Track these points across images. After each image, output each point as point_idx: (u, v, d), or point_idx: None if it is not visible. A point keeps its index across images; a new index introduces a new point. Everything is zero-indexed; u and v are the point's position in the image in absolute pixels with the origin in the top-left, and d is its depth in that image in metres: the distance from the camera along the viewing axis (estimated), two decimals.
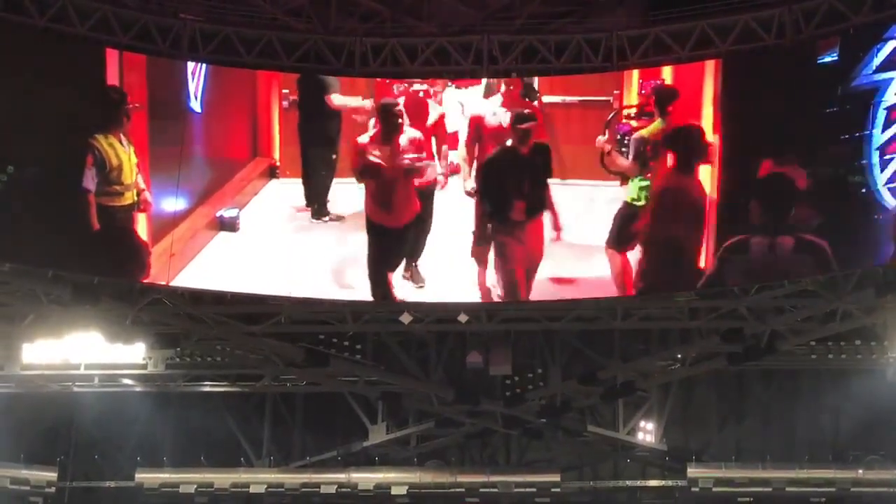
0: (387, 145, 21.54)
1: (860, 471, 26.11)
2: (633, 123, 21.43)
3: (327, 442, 27.59)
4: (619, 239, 21.31)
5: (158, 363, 26.37)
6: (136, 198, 21.20)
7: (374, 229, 21.78)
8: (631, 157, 21.18)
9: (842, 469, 26.26)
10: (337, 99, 22.48)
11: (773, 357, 24.79)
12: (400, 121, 21.55)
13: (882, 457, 26.33)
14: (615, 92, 22.13)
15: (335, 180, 22.88)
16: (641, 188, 21.21)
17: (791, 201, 20.74)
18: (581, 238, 21.42)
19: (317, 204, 22.74)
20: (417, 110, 22.04)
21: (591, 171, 21.49)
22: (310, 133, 22.88)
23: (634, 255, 21.39)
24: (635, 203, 21.26)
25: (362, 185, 21.95)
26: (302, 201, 22.86)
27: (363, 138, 21.80)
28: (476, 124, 22.04)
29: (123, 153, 21.00)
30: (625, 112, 21.64)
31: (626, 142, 21.33)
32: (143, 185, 21.25)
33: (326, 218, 22.70)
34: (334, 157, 22.86)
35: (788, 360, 25.82)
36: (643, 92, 21.61)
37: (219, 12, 21.90)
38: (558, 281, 21.65)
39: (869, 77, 20.20)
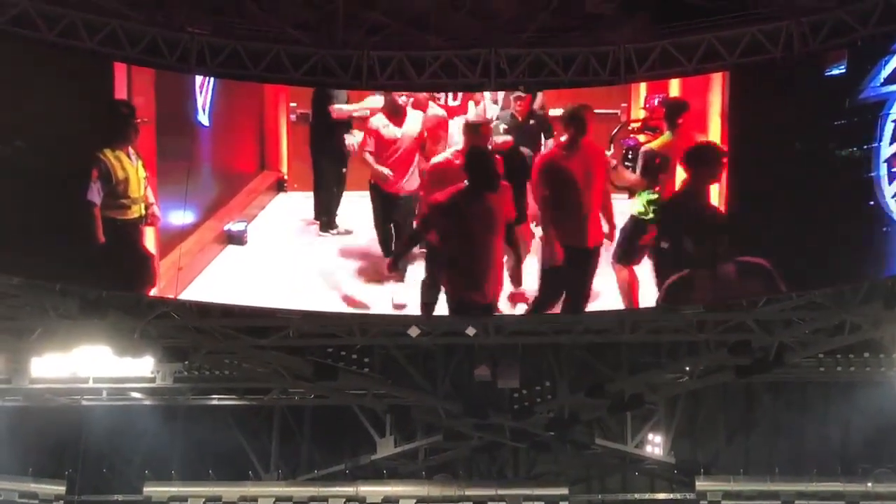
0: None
1: (869, 484, 26.10)
2: (641, 138, 21.40)
3: (335, 455, 27.60)
4: (626, 253, 21.27)
5: (167, 377, 26.43)
6: (143, 211, 21.19)
7: None
8: (639, 170, 21.15)
9: (851, 482, 26.26)
10: (336, 110, 22.48)
11: (781, 370, 24.81)
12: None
13: (891, 469, 26.35)
14: (623, 105, 22.13)
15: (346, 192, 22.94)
16: (649, 202, 21.18)
17: (717, 230, 20.83)
18: None
19: (325, 217, 22.75)
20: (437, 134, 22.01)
21: None
22: (322, 147, 22.87)
23: (642, 269, 21.35)
24: (642, 217, 21.23)
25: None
26: (310, 214, 22.86)
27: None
28: None
29: (130, 167, 21.00)
30: (630, 126, 21.63)
31: (629, 156, 21.31)
32: (152, 199, 21.26)
33: (334, 231, 22.70)
34: (344, 170, 22.86)
35: (797, 373, 25.83)
36: (647, 106, 21.61)
37: (226, 26, 21.91)
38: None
39: (876, 90, 20.19)
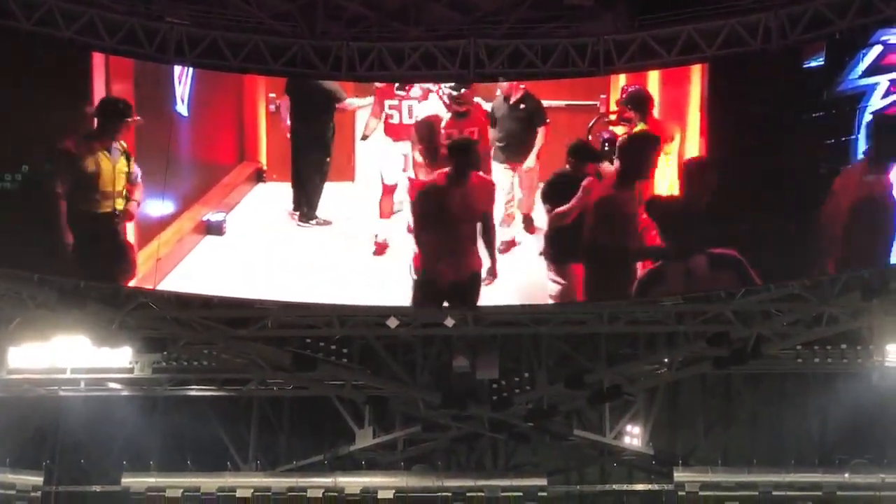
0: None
1: (846, 474, 26.17)
2: (618, 130, 21.45)
3: (314, 446, 27.56)
4: None
5: (145, 367, 26.33)
6: (122, 205, 21.15)
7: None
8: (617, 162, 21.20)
9: (828, 473, 26.33)
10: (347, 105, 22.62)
11: (759, 361, 24.85)
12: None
13: (868, 460, 26.41)
14: (602, 96, 22.16)
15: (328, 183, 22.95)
16: None
17: (686, 221, 20.92)
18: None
19: (306, 208, 22.73)
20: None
21: None
22: (303, 138, 22.86)
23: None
24: None
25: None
26: (290, 205, 22.84)
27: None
28: None
29: (106, 161, 20.93)
30: (605, 119, 21.67)
31: (606, 147, 21.37)
32: (137, 196, 21.22)
33: (314, 222, 22.68)
34: (328, 160, 22.88)
35: (775, 364, 25.86)
36: (623, 96, 21.65)
37: (205, 16, 21.88)
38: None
39: (854, 82, 20.26)
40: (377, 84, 22.33)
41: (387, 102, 22.33)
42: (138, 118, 21.08)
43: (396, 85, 22.28)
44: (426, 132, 22.04)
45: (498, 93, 22.28)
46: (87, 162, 20.87)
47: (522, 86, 22.06)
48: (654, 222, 20.99)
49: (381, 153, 22.46)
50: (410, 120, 22.26)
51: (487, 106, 22.36)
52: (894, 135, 20.14)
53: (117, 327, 23.58)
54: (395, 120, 22.34)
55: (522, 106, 22.03)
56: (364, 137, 22.51)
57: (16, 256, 20.89)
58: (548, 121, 21.98)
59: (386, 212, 22.42)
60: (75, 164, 20.82)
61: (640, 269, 21.33)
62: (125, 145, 21.16)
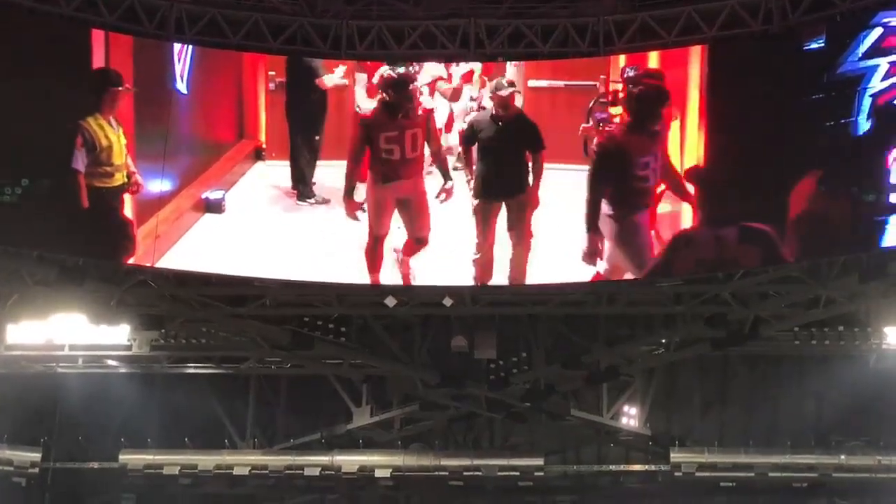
0: None
1: (842, 456, 26.26)
2: (613, 110, 21.43)
3: (311, 424, 27.57)
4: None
5: (143, 345, 26.33)
6: (126, 179, 21.19)
7: None
8: None
9: (824, 454, 26.42)
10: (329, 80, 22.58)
11: (756, 343, 24.91)
12: None
13: (864, 443, 26.51)
14: (602, 77, 22.14)
15: (321, 163, 22.90)
16: None
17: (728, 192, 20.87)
18: (569, 223, 21.31)
19: (302, 186, 22.74)
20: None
21: (578, 156, 21.41)
22: (296, 115, 22.88)
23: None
24: None
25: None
26: (288, 183, 22.86)
27: None
28: None
29: (113, 134, 20.99)
30: (600, 101, 21.64)
31: (601, 127, 21.34)
32: (133, 167, 21.23)
33: (312, 200, 22.69)
34: (318, 138, 22.90)
35: (772, 346, 25.90)
36: (624, 77, 21.61)
37: None
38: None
39: (855, 64, 20.24)
40: None
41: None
42: (129, 86, 21.03)
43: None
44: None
45: (473, 103, 22.34)
46: (100, 136, 20.89)
47: (518, 100, 21.62)
48: (694, 189, 20.95)
49: None
50: None
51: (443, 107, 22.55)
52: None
53: (116, 305, 23.61)
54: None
55: (515, 127, 21.49)
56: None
57: (19, 234, 20.89)
58: (545, 147, 21.40)
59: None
60: (93, 140, 20.83)
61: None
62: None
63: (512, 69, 22.24)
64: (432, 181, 21.61)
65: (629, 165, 20.78)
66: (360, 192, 21.51)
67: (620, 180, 20.84)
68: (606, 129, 21.15)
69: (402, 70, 21.40)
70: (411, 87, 21.41)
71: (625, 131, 20.88)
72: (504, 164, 21.47)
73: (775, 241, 20.68)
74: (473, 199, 21.53)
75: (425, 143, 21.42)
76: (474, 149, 21.52)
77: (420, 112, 21.48)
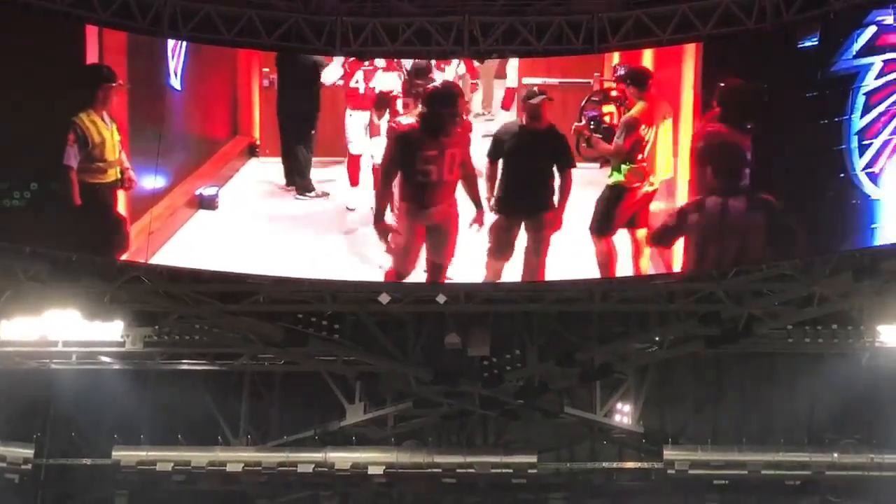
0: None
1: (835, 454, 26.27)
2: (606, 108, 21.46)
3: (304, 421, 27.60)
4: (604, 223, 21.31)
5: (136, 341, 26.32)
6: (119, 175, 21.18)
7: None
8: (623, 139, 21.15)
9: (817, 452, 26.42)
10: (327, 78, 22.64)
11: (750, 340, 24.92)
12: None
13: (857, 441, 26.53)
14: (596, 74, 22.17)
15: (315, 159, 22.94)
16: (632, 171, 21.22)
17: (740, 165, 20.80)
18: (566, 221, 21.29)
19: (299, 180, 22.75)
20: None
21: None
22: (289, 110, 22.89)
23: (619, 240, 21.42)
24: (622, 186, 21.27)
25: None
26: (282, 180, 22.86)
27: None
28: None
29: (106, 130, 20.98)
30: (592, 98, 21.65)
31: (592, 126, 21.35)
32: (127, 163, 21.21)
33: (311, 194, 22.72)
34: (313, 132, 22.92)
35: (765, 344, 25.92)
36: (616, 75, 21.64)
37: None
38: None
39: (849, 62, 20.25)
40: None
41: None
42: (122, 83, 21.02)
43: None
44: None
45: (500, 111, 22.27)
46: (93, 132, 20.88)
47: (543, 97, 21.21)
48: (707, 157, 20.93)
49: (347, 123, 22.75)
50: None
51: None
52: None
53: (109, 301, 23.60)
54: (362, 89, 22.54)
55: (544, 140, 21.16)
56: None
57: (12, 229, 20.86)
58: (576, 164, 21.09)
59: (356, 180, 22.54)
60: (85, 136, 20.81)
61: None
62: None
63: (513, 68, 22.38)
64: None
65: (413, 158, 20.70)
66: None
67: (406, 173, 20.77)
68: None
69: (445, 81, 21.47)
70: (458, 101, 21.17)
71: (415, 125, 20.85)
72: (529, 179, 21.08)
73: (776, 209, 20.63)
74: (493, 213, 21.09)
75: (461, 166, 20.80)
76: (499, 163, 21.01)
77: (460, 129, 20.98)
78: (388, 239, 20.94)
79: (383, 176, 20.90)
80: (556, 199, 21.01)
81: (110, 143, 21.01)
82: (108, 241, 21.40)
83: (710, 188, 20.90)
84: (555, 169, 20.92)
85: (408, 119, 21.19)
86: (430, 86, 21.28)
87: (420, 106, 21.00)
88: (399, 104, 22.00)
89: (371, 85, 22.51)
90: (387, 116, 22.10)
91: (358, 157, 22.61)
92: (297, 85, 22.78)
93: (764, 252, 21.29)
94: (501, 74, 23.34)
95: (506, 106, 23.22)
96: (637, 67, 21.64)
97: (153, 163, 21.43)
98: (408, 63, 22.04)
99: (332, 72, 22.57)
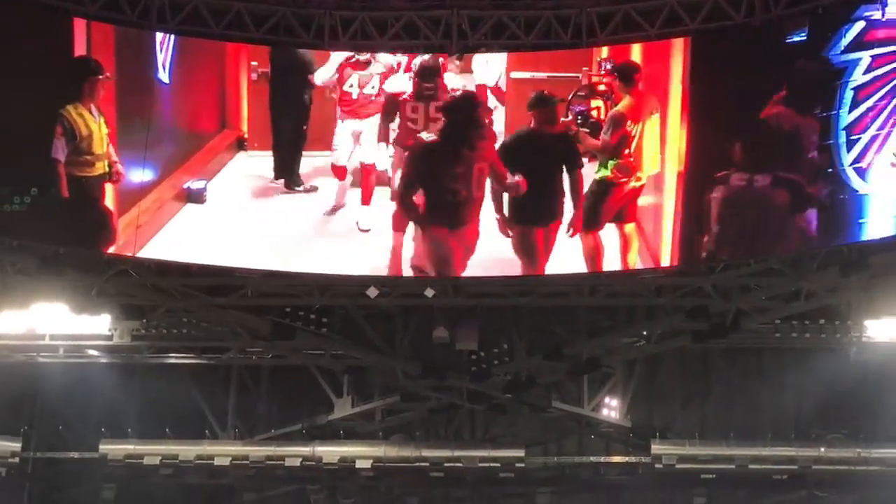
0: None
1: (822, 449, 26.34)
2: (593, 103, 21.47)
3: (292, 415, 27.57)
4: (591, 218, 21.31)
5: (124, 334, 26.27)
6: (107, 168, 21.15)
7: None
8: (610, 135, 21.18)
9: (804, 447, 26.48)
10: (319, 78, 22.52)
11: (737, 335, 24.94)
12: None
13: (844, 435, 26.58)
14: (584, 69, 22.16)
15: (306, 153, 22.91)
16: (619, 167, 21.23)
17: (774, 144, 20.78)
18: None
19: (288, 175, 22.73)
20: None
21: None
22: (281, 104, 22.86)
23: (606, 234, 21.43)
24: (610, 181, 21.28)
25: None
26: (270, 173, 22.83)
27: None
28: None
29: (93, 123, 20.94)
30: (579, 93, 21.65)
31: (579, 121, 21.36)
32: (115, 157, 21.18)
33: (300, 188, 22.71)
34: (305, 128, 22.89)
35: (753, 339, 25.95)
36: (603, 71, 21.65)
37: None
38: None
39: (837, 57, 20.29)
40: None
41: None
42: (108, 75, 20.97)
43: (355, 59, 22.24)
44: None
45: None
46: (80, 125, 20.84)
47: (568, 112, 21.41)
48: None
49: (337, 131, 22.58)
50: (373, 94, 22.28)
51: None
52: None
53: (96, 294, 23.57)
54: (355, 95, 22.38)
55: (557, 144, 21.13)
56: None
57: (9, 225, 20.87)
58: (583, 164, 21.11)
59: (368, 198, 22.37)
60: (73, 129, 20.77)
61: None
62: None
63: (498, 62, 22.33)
64: None
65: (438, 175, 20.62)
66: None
67: (429, 187, 20.67)
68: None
69: (466, 88, 21.45)
70: (477, 108, 21.07)
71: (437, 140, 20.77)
72: (544, 187, 20.99)
73: (806, 190, 20.58)
74: (509, 230, 21.02)
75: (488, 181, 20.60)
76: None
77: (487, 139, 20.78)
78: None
79: (403, 195, 20.76)
80: (567, 201, 21.02)
81: (98, 137, 20.97)
82: (96, 234, 21.37)
83: (737, 163, 20.85)
84: (565, 171, 20.92)
85: (429, 135, 21.05)
86: (449, 96, 21.08)
87: (434, 114, 20.98)
88: (409, 108, 21.66)
89: (367, 92, 22.37)
90: (397, 121, 21.86)
91: (343, 169, 22.53)
92: (291, 80, 22.73)
93: (782, 232, 21.21)
94: (467, 70, 23.18)
95: None
96: (625, 62, 21.66)
97: (141, 156, 21.39)
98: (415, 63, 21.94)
99: (324, 72, 22.49)
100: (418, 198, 20.58)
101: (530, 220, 21.06)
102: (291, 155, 22.90)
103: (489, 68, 22.46)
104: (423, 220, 20.75)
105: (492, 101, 22.41)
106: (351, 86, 22.39)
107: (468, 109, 20.90)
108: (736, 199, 20.82)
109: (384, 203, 21.86)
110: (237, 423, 27.76)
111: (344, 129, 22.51)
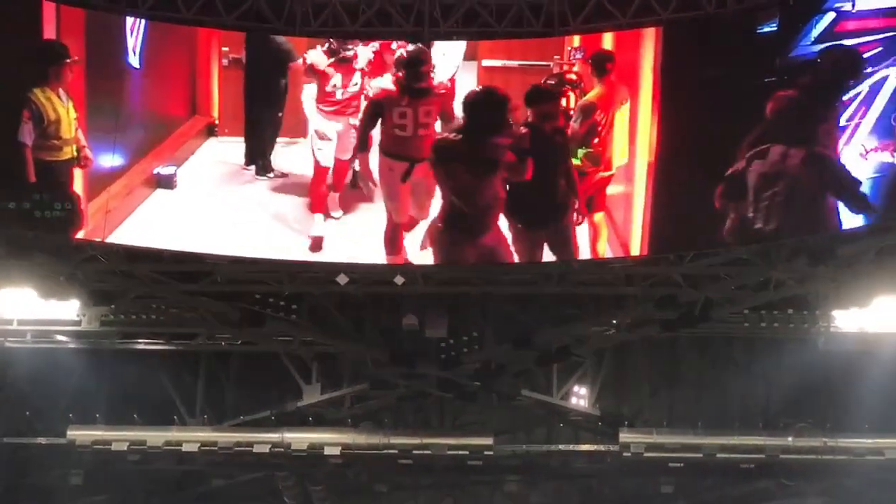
0: None
1: (790, 438, 26.44)
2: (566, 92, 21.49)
3: (261, 401, 27.47)
4: None
5: (93, 320, 26.15)
6: (76, 153, 21.05)
7: None
8: (579, 123, 21.20)
9: (772, 436, 26.58)
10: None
11: (706, 325, 25.00)
12: None
13: (811, 425, 26.67)
14: (556, 57, 22.17)
15: (280, 139, 22.92)
16: (587, 156, 21.25)
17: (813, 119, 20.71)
18: None
19: (261, 161, 22.69)
20: None
21: None
22: (256, 91, 22.79)
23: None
24: (577, 170, 21.29)
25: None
26: (242, 160, 22.78)
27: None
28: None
29: (62, 107, 20.84)
30: (548, 82, 21.63)
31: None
32: (83, 141, 21.08)
33: (271, 174, 22.66)
34: (280, 115, 22.83)
35: (722, 328, 25.99)
36: (574, 60, 21.65)
37: None
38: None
39: (807, 48, 20.34)
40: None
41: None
42: (77, 58, 20.86)
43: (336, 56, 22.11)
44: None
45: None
46: (48, 109, 20.74)
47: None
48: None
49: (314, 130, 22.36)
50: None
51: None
52: None
53: (65, 280, 23.49)
54: (339, 95, 22.22)
55: (554, 140, 20.92)
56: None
57: None
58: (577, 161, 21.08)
59: (318, 205, 22.16)
60: (41, 113, 20.67)
61: None
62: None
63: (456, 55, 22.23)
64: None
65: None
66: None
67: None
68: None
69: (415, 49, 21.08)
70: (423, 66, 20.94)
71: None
72: (545, 187, 20.82)
73: (836, 168, 20.49)
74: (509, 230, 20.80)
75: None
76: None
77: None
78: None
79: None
80: (566, 195, 20.94)
81: (66, 121, 20.87)
82: (63, 219, 21.27)
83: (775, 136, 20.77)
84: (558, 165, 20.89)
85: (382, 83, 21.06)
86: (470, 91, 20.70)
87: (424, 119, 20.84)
88: (396, 114, 21.11)
89: (350, 89, 22.22)
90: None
91: (325, 170, 22.29)
92: (268, 67, 22.65)
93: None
94: None
95: None
96: (600, 51, 21.65)
97: (110, 141, 21.31)
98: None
99: (316, 55, 22.30)
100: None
101: (534, 224, 20.89)
102: (264, 142, 22.86)
103: (446, 60, 22.28)
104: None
105: None
106: (334, 86, 22.15)
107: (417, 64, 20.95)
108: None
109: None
110: (206, 409, 27.69)
111: (325, 129, 22.30)
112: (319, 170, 22.28)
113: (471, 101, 20.38)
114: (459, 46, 22.35)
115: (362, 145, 21.25)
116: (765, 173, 20.68)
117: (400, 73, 21.05)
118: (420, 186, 21.10)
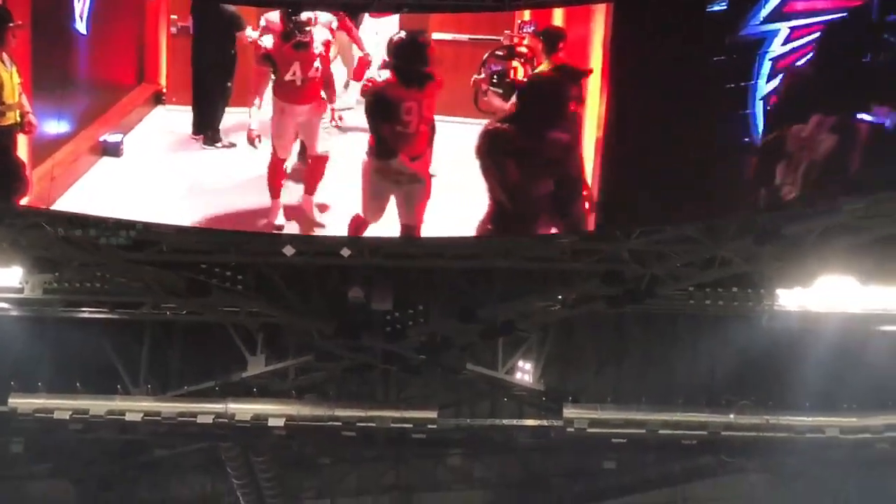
0: None
1: (732, 415, 26.62)
2: (515, 64, 21.41)
3: (206, 372, 27.38)
4: None
5: (35, 288, 25.98)
6: (19, 118, 20.84)
7: None
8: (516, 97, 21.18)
9: (714, 413, 26.75)
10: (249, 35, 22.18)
11: (652, 301, 25.12)
12: None
13: (753, 402, 26.86)
14: (506, 32, 22.10)
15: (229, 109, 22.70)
16: None
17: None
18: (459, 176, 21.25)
19: (210, 131, 22.53)
20: None
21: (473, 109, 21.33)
22: (204, 60, 22.61)
23: None
24: None
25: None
26: (188, 129, 22.64)
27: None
28: None
29: (5, 72, 20.62)
30: (497, 53, 21.59)
31: (495, 81, 21.29)
32: (28, 107, 20.88)
33: (219, 144, 22.53)
34: (229, 85, 22.67)
35: (667, 305, 26.14)
36: (524, 31, 21.59)
37: None
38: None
39: (756, 27, 20.37)
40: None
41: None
42: (20, 23, 20.64)
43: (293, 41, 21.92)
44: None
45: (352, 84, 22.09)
46: None
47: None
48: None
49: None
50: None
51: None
52: None
53: (8, 246, 23.31)
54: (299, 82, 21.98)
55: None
56: None
57: None
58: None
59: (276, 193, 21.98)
60: None
61: None
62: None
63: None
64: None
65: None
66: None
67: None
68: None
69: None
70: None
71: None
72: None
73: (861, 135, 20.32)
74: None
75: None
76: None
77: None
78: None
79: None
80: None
81: (9, 86, 20.64)
82: (8, 185, 21.10)
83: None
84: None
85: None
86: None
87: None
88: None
89: (311, 75, 21.90)
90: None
91: (325, 157, 21.87)
92: (215, 35, 22.41)
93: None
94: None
95: (356, 77, 22.78)
96: (552, 27, 21.58)
97: (56, 108, 21.14)
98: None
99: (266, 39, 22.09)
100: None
101: None
102: (213, 111, 22.65)
103: (378, 39, 22.11)
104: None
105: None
106: (294, 73, 21.74)
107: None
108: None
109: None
110: (150, 378, 27.55)
111: (284, 120, 21.94)
112: (276, 161, 22.13)
113: (396, 44, 20.61)
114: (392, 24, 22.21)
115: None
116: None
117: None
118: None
